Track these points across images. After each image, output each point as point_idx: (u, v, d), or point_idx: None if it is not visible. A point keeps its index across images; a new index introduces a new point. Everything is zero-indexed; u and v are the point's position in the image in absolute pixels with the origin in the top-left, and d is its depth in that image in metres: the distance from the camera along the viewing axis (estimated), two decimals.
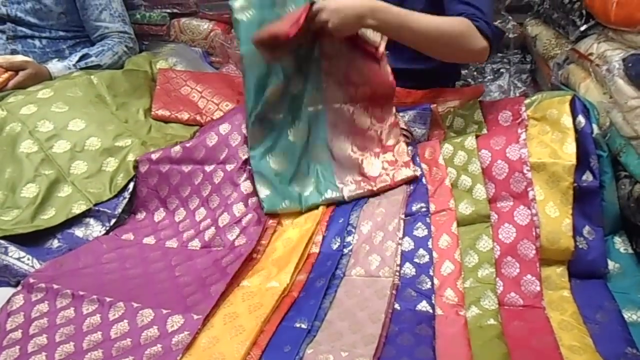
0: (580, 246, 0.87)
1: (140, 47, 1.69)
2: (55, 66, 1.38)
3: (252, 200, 1.03)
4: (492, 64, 1.52)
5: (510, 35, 1.49)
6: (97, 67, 1.45)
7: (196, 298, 0.80)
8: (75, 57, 1.42)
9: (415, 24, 0.96)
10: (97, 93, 1.28)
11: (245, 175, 1.05)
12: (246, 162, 1.05)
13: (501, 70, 1.51)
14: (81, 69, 1.40)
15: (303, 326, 0.76)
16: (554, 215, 0.88)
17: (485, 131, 1.06)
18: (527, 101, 1.04)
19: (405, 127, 1.16)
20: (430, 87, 1.21)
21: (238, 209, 1.01)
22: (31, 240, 0.96)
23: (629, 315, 0.78)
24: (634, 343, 0.72)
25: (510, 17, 1.49)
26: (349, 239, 0.95)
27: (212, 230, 1.00)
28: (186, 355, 0.70)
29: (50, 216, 1.01)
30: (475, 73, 1.51)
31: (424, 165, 1.03)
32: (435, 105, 1.15)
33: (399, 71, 1.07)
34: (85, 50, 1.46)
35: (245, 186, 1.04)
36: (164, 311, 0.76)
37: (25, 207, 1.00)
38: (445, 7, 1.06)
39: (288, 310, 0.80)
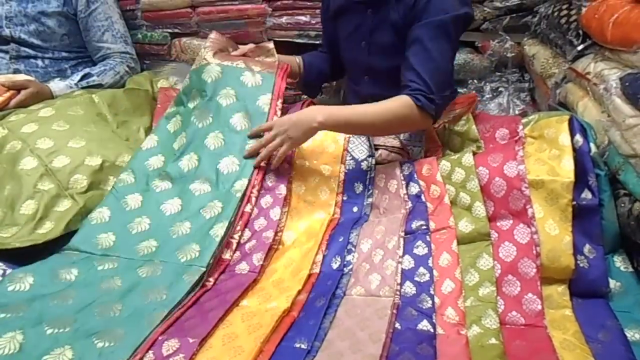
0: (582, 265, 0.87)
1: (142, 67, 1.71)
2: (57, 85, 1.39)
3: (258, 224, 1.02)
4: (491, 83, 1.53)
5: (508, 55, 1.51)
6: (99, 86, 1.46)
7: (193, 322, 0.79)
8: (77, 77, 1.44)
9: (362, 117, 1.06)
10: (98, 112, 1.29)
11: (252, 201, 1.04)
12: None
13: (500, 89, 1.53)
14: (82, 88, 1.41)
15: (303, 346, 0.75)
16: (554, 233, 0.88)
17: (482, 149, 1.06)
18: (524, 120, 1.05)
19: (401, 146, 1.16)
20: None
21: (243, 236, 1.00)
22: (29, 258, 0.95)
23: (631, 334, 0.78)
24: None
25: (508, 37, 1.51)
26: (349, 257, 0.94)
27: None
28: None
29: (47, 230, 1.00)
30: (474, 91, 1.52)
31: (421, 183, 1.03)
32: None
33: (378, 97, 1.09)
34: (87, 70, 1.48)
35: (253, 212, 1.03)
36: (160, 337, 0.75)
37: (24, 223, 0.99)
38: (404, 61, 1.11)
39: (288, 331, 0.79)
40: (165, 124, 1.20)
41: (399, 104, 1.05)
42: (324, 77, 1.46)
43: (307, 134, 1.05)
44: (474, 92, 1.53)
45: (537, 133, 1.01)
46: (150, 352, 0.73)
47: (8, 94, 1.28)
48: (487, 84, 1.53)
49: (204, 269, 0.90)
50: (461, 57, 1.53)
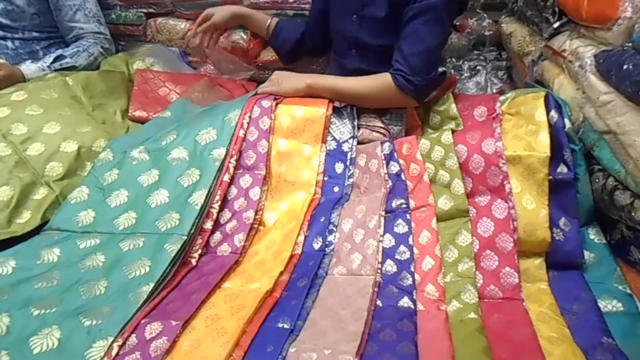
0: (557, 237, 0.89)
1: (117, 48, 1.66)
2: (28, 68, 1.35)
3: (238, 205, 1.01)
4: (469, 62, 1.53)
5: (486, 33, 1.51)
6: (73, 68, 1.42)
7: (176, 305, 0.79)
8: (49, 59, 1.40)
9: (346, 88, 1.15)
10: (73, 94, 1.26)
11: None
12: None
13: (478, 67, 1.53)
14: (55, 70, 1.38)
15: (286, 326, 0.76)
16: (531, 207, 0.90)
17: (461, 127, 1.07)
18: (501, 98, 1.06)
19: (383, 126, 1.17)
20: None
21: (223, 216, 1.00)
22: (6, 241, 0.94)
23: (604, 305, 0.80)
24: (610, 332, 0.74)
25: (485, 15, 1.51)
26: (330, 238, 0.95)
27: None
28: (167, 359, 0.70)
29: (25, 220, 0.98)
30: (452, 71, 1.52)
31: (401, 162, 1.04)
32: None
33: (365, 72, 1.09)
34: (59, 52, 1.43)
35: (231, 193, 1.03)
36: (143, 320, 0.76)
37: (0, 210, 0.98)
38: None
39: (270, 311, 0.80)
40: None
41: (380, 81, 1.12)
42: (290, 46, 1.45)
43: (293, 89, 1.16)
44: (453, 73, 1.53)
45: (514, 110, 1.02)
46: (133, 335, 0.73)
47: None
48: (465, 62, 1.53)
49: (185, 237, 0.90)
50: None
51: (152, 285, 0.81)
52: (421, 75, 1.09)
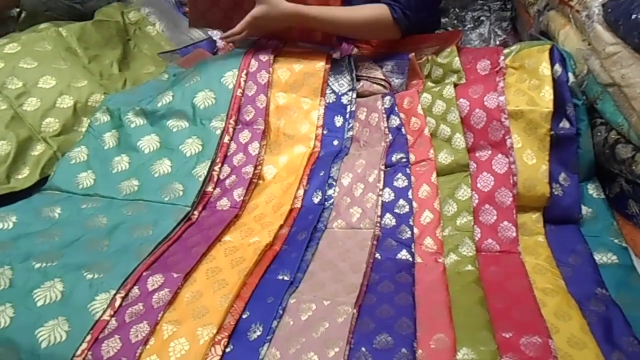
0: (556, 192, 0.89)
1: None
2: None
3: (237, 160, 1.01)
4: (473, 12, 1.49)
5: None
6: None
7: (177, 258, 0.80)
8: None
9: (344, 18, 1.09)
10: (67, 46, 1.23)
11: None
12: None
13: (481, 18, 1.49)
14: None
15: (286, 278, 0.77)
16: (531, 163, 0.89)
17: (464, 80, 1.05)
18: (506, 51, 1.03)
19: (384, 77, 1.14)
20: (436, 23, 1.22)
21: (222, 172, 0.99)
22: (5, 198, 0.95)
23: (599, 258, 0.81)
24: (604, 284, 0.75)
25: None
26: (330, 192, 0.95)
27: None
28: (170, 310, 0.71)
29: (24, 176, 0.98)
30: (455, 21, 1.48)
31: (402, 115, 1.03)
32: (413, 54, 1.13)
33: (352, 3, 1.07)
34: None
35: (230, 148, 1.02)
36: (145, 273, 0.77)
37: None
38: None
39: (270, 264, 0.81)
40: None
41: (376, 11, 1.09)
42: None
43: (278, 26, 1.11)
44: (455, 24, 1.49)
45: (517, 63, 0.99)
46: (135, 287, 0.74)
47: None
48: (469, 12, 1.49)
49: (188, 208, 0.91)
50: None
51: (153, 245, 0.82)
52: (418, 12, 1.09)
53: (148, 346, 0.66)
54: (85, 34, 1.28)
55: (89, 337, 0.67)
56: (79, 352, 0.66)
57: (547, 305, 0.72)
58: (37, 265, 0.76)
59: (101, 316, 0.70)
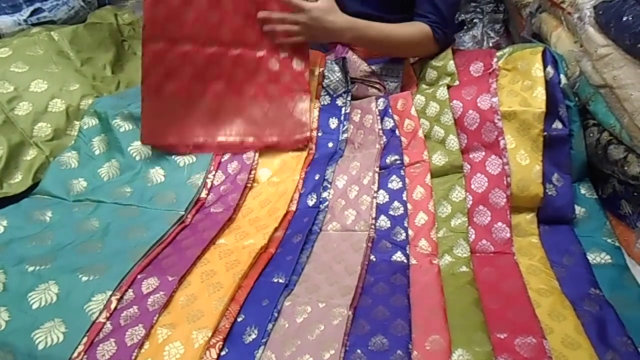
0: (550, 193, 0.89)
1: (104, 1, 1.61)
2: (3, 22, 1.30)
3: (232, 168, 1.01)
4: (466, 14, 1.50)
5: None
6: (51, 23, 1.36)
7: (171, 261, 0.80)
8: (26, 12, 1.33)
9: (387, 40, 1.07)
10: (59, 50, 1.22)
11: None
12: None
13: (474, 20, 1.50)
14: (33, 25, 1.33)
15: (281, 281, 0.77)
16: (525, 163, 0.90)
17: (457, 82, 1.05)
18: (498, 53, 1.04)
19: (378, 81, 1.15)
20: None
21: (217, 178, 0.99)
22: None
23: (592, 258, 0.82)
24: (597, 284, 0.76)
25: None
26: (324, 194, 0.95)
27: None
28: (164, 314, 0.71)
29: (17, 181, 0.98)
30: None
31: (396, 117, 1.03)
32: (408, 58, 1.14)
33: (367, 17, 1.06)
34: (37, 4, 1.37)
35: (224, 155, 1.03)
36: (139, 275, 0.76)
37: None
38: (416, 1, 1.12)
39: (265, 267, 0.81)
40: None
41: (421, 34, 1.09)
42: None
43: (328, 41, 1.11)
44: None
45: (510, 65, 1.00)
46: (130, 290, 0.74)
47: None
48: (462, 14, 1.50)
49: (182, 213, 0.91)
50: None
51: (147, 247, 0.82)
52: (452, 27, 1.11)
53: (143, 350, 0.66)
54: (77, 37, 1.27)
55: (85, 339, 0.67)
56: (75, 354, 0.65)
57: (541, 306, 0.72)
58: (31, 269, 0.75)
59: (98, 317, 0.70)
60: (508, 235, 0.86)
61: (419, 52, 1.14)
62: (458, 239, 0.85)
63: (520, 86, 0.95)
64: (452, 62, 1.08)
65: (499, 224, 0.87)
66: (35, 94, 1.09)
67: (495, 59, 1.02)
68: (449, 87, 1.01)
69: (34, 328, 0.68)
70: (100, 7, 1.52)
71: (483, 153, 0.94)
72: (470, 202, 0.90)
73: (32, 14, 1.34)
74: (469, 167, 0.94)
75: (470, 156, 0.95)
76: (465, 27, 1.47)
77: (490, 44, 1.47)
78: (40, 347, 0.66)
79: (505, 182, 0.89)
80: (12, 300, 0.71)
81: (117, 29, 1.41)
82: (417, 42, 1.09)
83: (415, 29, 1.09)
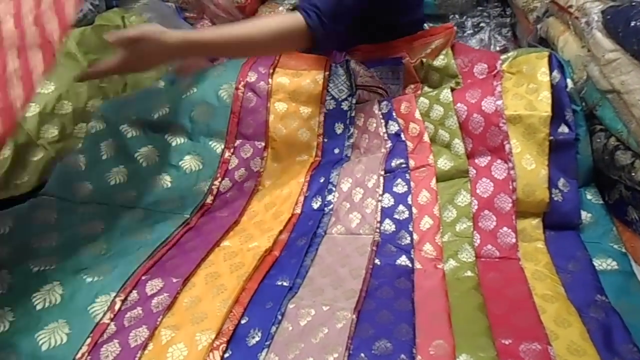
0: (556, 198, 0.89)
1: (111, 4, 1.62)
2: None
3: (238, 175, 1.01)
4: (472, 18, 1.50)
5: None
6: None
7: (176, 262, 0.80)
8: None
9: (241, 38, 0.91)
10: (67, 51, 1.22)
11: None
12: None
13: (481, 24, 1.49)
14: None
15: (285, 284, 0.77)
16: (530, 168, 0.90)
17: (461, 85, 1.05)
18: (503, 56, 1.03)
19: (380, 85, 1.14)
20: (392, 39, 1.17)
21: (223, 184, 1.00)
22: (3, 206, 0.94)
23: (599, 264, 0.81)
24: (603, 290, 0.75)
25: None
26: (329, 197, 0.95)
27: None
28: (168, 315, 0.71)
29: (23, 181, 0.98)
30: (455, 28, 1.49)
31: (400, 121, 1.03)
32: (407, 58, 1.12)
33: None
34: None
35: (231, 162, 1.03)
36: (143, 277, 0.77)
37: None
38: None
39: (270, 269, 0.81)
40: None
41: (286, 20, 0.94)
42: None
43: (158, 65, 0.94)
44: (455, 31, 1.49)
45: (515, 69, 1.00)
46: (134, 291, 0.74)
47: None
48: (469, 19, 1.49)
49: (187, 217, 0.91)
50: None
51: (152, 249, 0.82)
52: (334, 24, 0.95)
53: (147, 351, 0.66)
54: (84, 38, 1.28)
55: (89, 340, 0.67)
56: (79, 355, 0.65)
57: (546, 312, 0.71)
58: (36, 269, 0.76)
59: (101, 319, 0.70)
60: (513, 240, 0.85)
61: (286, 42, 0.95)
62: (463, 243, 0.85)
63: (525, 89, 0.95)
64: (453, 62, 1.07)
65: (505, 228, 0.86)
66: (43, 95, 1.09)
67: (499, 62, 1.02)
68: (452, 89, 1.01)
69: (38, 329, 0.68)
70: (108, 10, 1.53)
71: (488, 157, 0.93)
72: (476, 207, 0.89)
73: None
74: (474, 171, 0.93)
75: (476, 161, 0.95)
76: (471, 32, 1.47)
77: (498, 48, 1.46)
78: (44, 348, 0.66)
79: (510, 186, 0.89)
80: (17, 300, 0.71)
81: None
82: (280, 28, 0.92)
83: (277, 19, 0.98)
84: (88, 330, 0.68)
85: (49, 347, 0.66)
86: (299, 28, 0.93)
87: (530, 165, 0.90)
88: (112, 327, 0.69)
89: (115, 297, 0.72)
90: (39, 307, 0.71)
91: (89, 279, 0.75)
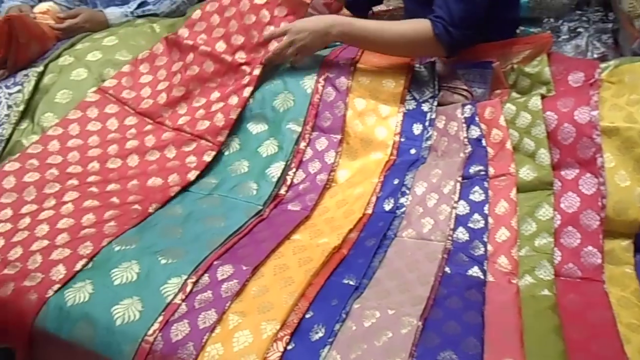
0: None
1: None
2: (112, 12, 1.40)
3: (312, 167, 1.02)
4: (569, 22, 1.40)
5: None
6: (154, 15, 1.45)
7: (246, 251, 0.82)
8: (133, 5, 1.44)
9: (378, 34, 1.06)
10: (158, 41, 1.30)
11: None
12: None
13: (579, 29, 1.40)
14: (138, 16, 1.42)
15: (351, 282, 0.77)
16: (624, 184, 0.83)
17: (553, 93, 1.00)
18: (603, 65, 0.97)
19: (465, 87, 1.11)
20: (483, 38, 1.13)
21: (297, 176, 1.01)
22: None
23: None
24: None
25: None
26: (402, 200, 0.93)
27: None
28: (237, 301, 0.73)
29: None
30: (549, 31, 1.41)
31: (483, 126, 0.99)
32: (497, 62, 1.09)
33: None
34: None
35: (306, 154, 1.04)
36: (215, 262, 0.79)
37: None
38: None
39: (337, 267, 0.81)
40: None
41: (418, 27, 1.04)
42: None
43: (323, 44, 1.09)
44: (548, 32, 1.41)
45: (615, 78, 0.93)
46: (205, 275, 0.77)
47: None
48: (565, 23, 1.40)
49: (260, 207, 0.93)
50: None
51: (225, 236, 0.85)
52: (462, 29, 1.02)
53: (214, 334, 0.68)
54: (175, 29, 1.35)
55: (160, 319, 0.70)
56: (150, 332, 0.69)
57: (631, 343, 0.66)
58: (117, 248, 0.81)
59: (172, 299, 0.73)
60: (599, 261, 0.80)
61: (418, 48, 1.08)
62: (541, 259, 0.81)
63: (625, 100, 0.89)
64: (547, 69, 1.02)
65: (589, 248, 0.81)
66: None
67: (598, 70, 0.95)
68: (543, 97, 0.96)
69: (114, 303, 0.72)
70: (199, 2, 1.59)
71: (577, 170, 0.88)
72: (559, 222, 0.85)
73: (139, 6, 1.44)
74: (559, 184, 0.88)
75: (562, 173, 0.89)
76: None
77: (595, 56, 1.36)
78: (118, 322, 0.70)
79: (599, 203, 0.83)
80: (98, 274, 0.77)
81: None
82: (414, 36, 1.04)
83: (410, 24, 1.05)
84: (160, 308, 0.72)
85: (123, 322, 0.70)
86: (426, 36, 1.03)
87: (624, 181, 0.83)
88: (183, 308, 0.72)
89: (187, 279, 0.75)
90: (116, 282, 0.75)
91: (164, 261, 0.78)
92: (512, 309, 0.72)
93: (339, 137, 1.05)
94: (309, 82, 1.08)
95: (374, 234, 0.87)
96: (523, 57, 1.09)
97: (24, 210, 0.88)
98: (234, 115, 1.05)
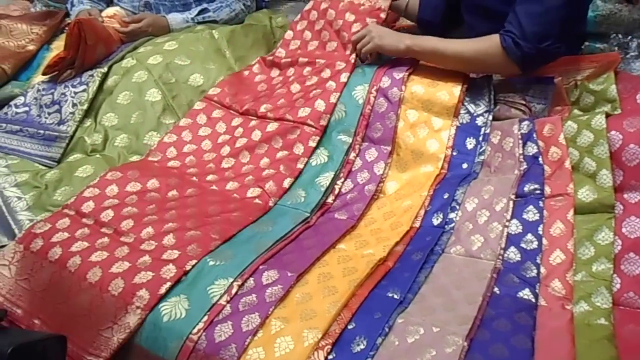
0: None
1: (261, 5, 1.72)
2: (174, 18, 1.46)
3: (361, 177, 1.02)
4: (639, 39, 1.33)
5: None
6: (214, 22, 1.50)
7: (292, 257, 0.83)
8: (194, 11, 1.50)
9: (448, 49, 1.06)
10: (217, 48, 1.34)
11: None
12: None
13: None
14: (198, 23, 1.47)
15: (395, 296, 0.76)
16: None
17: (618, 111, 0.95)
18: None
19: (524, 102, 1.08)
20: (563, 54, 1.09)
21: (345, 186, 1.01)
22: None
23: None
24: None
25: None
26: (451, 215, 0.91)
27: None
28: (280, 306, 0.73)
29: None
30: (616, 48, 1.34)
31: (540, 143, 0.95)
32: (560, 78, 1.05)
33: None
34: (204, 5, 1.52)
35: (355, 164, 1.04)
36: (261, 266, 0.80)
37: (145, 154, 1.08)
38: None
39: (381, 279, 0.80)
40: None
41: (488, 42, 1.03)
42: (440, 13, 1.32)
43: (392, 50, 1.12)
44: (616, 50, 1.34)
45: None
46: (251, 279, 0.78)
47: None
48: (635, 39, 1.33)
49: (307, 214, 0.94)
50: (607, 6, 1.33)
51: (271, 242, 0.85)
52: (534, 43, 0.98)
53: (256, 337, 0.69)
54: (234, 36, 1.39)
55: (205, 318, 0.72)
56: (195, 331, 0.70)
57: None
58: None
59: (218, 300, 0.74)
60: None
61: (489, 64, 1.06)
62: (599, 286, 0.76)
63: None
64: (614, 86, 0.97)
65: None
66: (192, 88, 1.20)
67: None
68: (607, 115, 0.91)
69: (163, 300, 0.74)
70: (258, 10, 1.63)
71: None
72: (619, 248, 0.80)
73: (199, 13, 1.49)
74: (621, 207, 0.84)
75: (625, 196, 0.85)
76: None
77: None
78: (165, 319, 0.72)
79: None
80: None
81: (270, 31, 1.51)
82: (483, 54, 1.03)
83: (483, 41, 1.03)
84: (205, 308, 0.73)
85: (169, 319, 0.72)
86: (496, 51, 1.01)
87: None
88: (228, 309, 0.73)
89: (233, 281, 0.77)
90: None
91: (212, 262, 0.80)
92: (565, 336, 0.69)
93: (389, 148, 1.04)
94: (360, 93, 1.09)
95: (421, 248, 0.85)
96: (587, 74, 1.05)
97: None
98: (334, 100, 1.08)
